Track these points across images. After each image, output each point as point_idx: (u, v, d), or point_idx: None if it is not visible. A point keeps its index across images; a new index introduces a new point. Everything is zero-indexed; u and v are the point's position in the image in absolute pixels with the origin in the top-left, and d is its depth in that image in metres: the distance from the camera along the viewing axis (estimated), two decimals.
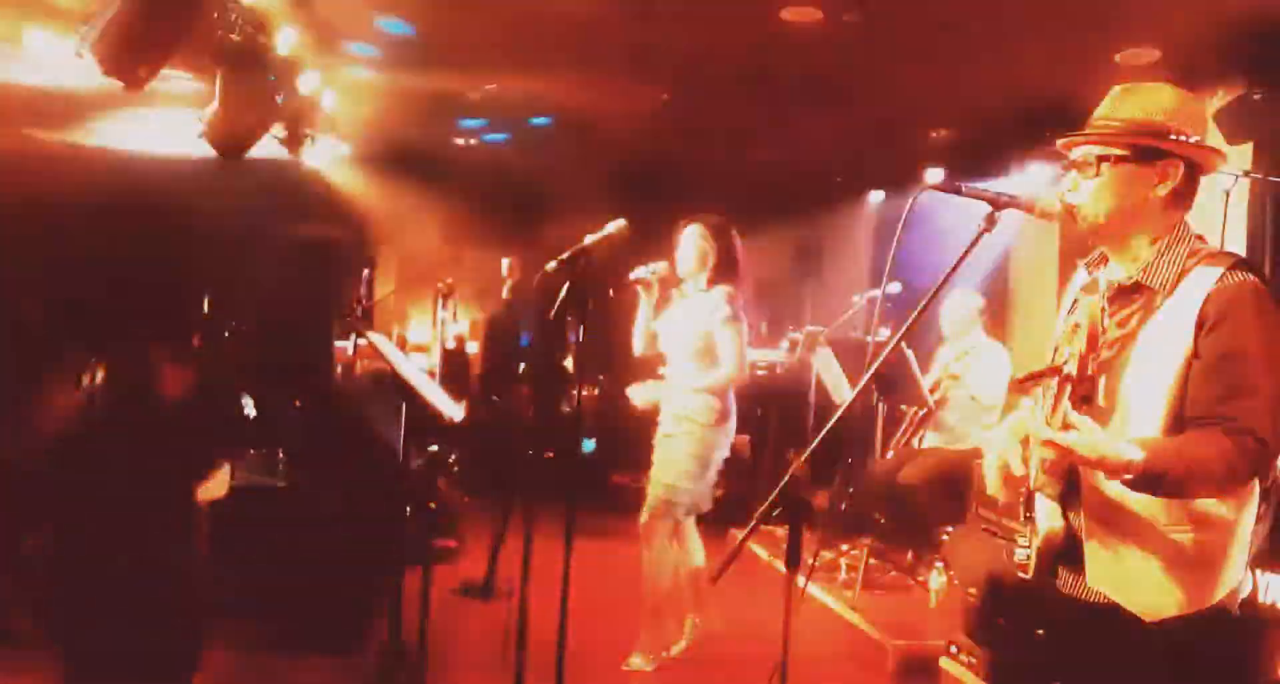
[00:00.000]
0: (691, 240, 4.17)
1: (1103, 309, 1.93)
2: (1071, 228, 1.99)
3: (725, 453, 4.22)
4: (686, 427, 4.12)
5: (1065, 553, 1.93)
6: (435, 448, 6.16)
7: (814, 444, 2.01)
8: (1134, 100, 1.95)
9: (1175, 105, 1.93)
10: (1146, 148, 1.91)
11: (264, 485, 4.80)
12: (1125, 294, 1.95)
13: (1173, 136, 1.90)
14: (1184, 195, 1.94)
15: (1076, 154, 1.96)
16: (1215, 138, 3.99)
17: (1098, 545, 1.90)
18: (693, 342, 4.14)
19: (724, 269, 4.17)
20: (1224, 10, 4.45)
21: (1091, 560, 1.90)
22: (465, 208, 8.41)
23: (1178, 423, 1.82)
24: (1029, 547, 1.96)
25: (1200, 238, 1.95)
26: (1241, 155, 4.87)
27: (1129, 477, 1.72)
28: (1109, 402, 1.86)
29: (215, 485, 3.65)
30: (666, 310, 4.31)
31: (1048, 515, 1.94)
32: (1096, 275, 2.04)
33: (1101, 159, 1.92)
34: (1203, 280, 1.84)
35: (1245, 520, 1.86)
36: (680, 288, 4.28)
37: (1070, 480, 1.92)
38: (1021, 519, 1.98)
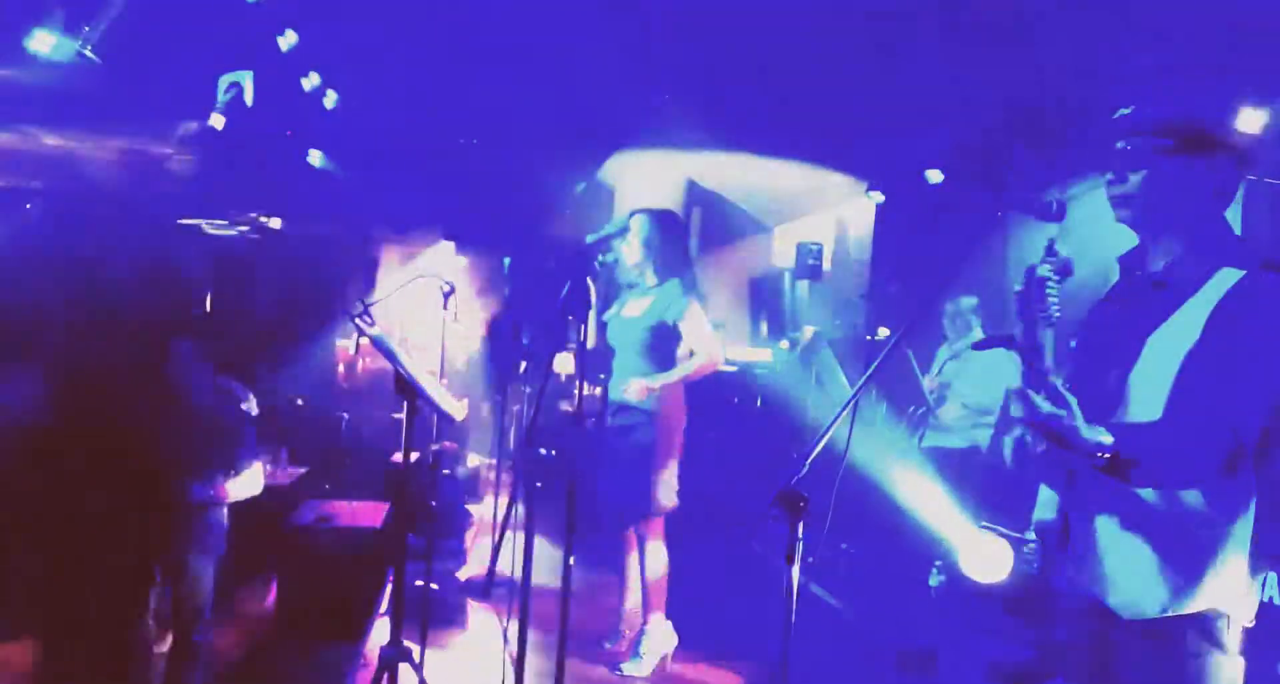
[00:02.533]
0: (637, 231, 4.07)
1: (1047, 279, 1.89)
2: (1074, 229, 1.99)
3: (679, 441, 4.11)
4: (642, 421, 4.00)
5: (1063, 549, 1.94)
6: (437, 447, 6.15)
7: (814, 444, 2.01)
8: (1184, 97, 1.96)
9: (1223, 101, 1.98)
10: (1200, 141, 1.90)
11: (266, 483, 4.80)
12: (1148, 289, 1.94)
13: (1224, 132, 1.91)
14: (1228, 190, 1.94)
15: (1126, 145, 1.94)
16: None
17: (1089, 541, 1.90)
18: (644, 336, 4.03)
19: (673, 260, 4.09)
20: (1235, 15, 4.44)
21: (1082, 556, 1.91)
22: (467, 207, 8.41)
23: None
24: (1035, 543, 1.98)
25: (1238, 238, 1.94)
26: None
27: (1099, 461, 1.71)
28: (1118, 392, 1.86)
29: (248, 483, 3.63)
30: (616, 303, 4.22)
31: (1047, 511, 1.96)
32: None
33: (1156, 151, 1.91)
34: (1226, 281, 1.84)
35: (1235, 525, 1.83)
36: (629, 281, 4.17)
37: (1068, 476, 1.93)
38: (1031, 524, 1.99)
